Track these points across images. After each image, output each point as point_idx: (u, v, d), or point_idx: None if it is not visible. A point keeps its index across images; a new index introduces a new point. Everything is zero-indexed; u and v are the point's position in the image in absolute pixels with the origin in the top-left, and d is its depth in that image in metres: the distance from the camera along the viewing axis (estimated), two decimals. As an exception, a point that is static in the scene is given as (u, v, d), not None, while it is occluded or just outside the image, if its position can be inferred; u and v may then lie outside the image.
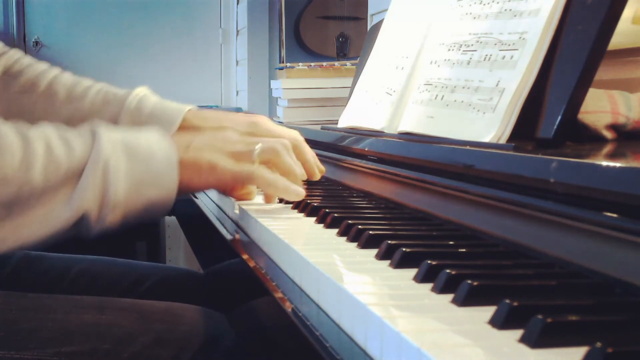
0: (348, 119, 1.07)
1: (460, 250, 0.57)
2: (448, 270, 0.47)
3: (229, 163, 0.73)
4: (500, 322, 0.39)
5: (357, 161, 0.92)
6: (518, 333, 0.38)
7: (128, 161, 0.67)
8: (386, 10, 1.08)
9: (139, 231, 2.53)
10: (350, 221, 0.67)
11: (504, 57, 0.73)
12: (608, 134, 0.73)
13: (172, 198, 0.70)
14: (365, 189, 0.88)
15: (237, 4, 3.30)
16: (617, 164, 0.46)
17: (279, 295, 0.57)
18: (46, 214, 0.63)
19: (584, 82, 0.66)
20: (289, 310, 0.53)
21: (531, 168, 0.54)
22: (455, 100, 0.78)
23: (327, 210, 0.73)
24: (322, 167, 0.89)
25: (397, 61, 0.96)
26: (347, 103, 1.12)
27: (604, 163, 0.47)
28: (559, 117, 0.66)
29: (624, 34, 0.77)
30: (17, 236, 0.62)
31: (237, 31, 3.32)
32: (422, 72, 0.88)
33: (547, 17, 0.70)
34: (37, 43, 3.19)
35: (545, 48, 0.69)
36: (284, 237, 0.64)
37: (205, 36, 3.40)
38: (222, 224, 0.89)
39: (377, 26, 1.12)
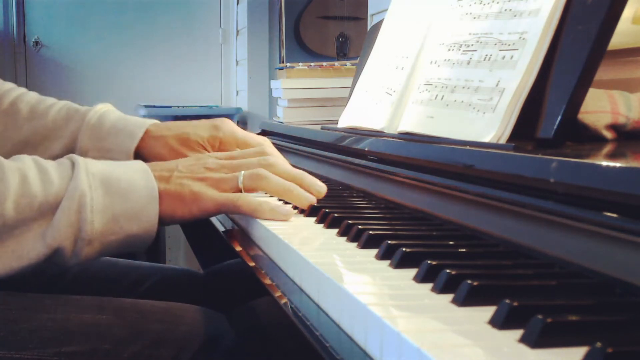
0: (348, 119, 1.07)
1: (460, 250, 0.57)
2: (448, 270, 0.47)
3: (213, 192, 0.72)
4: (500, 322, 0.39)
5: (357, 161, 0.92)
6: (518, 333, 0.38)
7: (105, 195, 0.67)
8: (386, 10, 1.08)
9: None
10: (350, 221, 0.67)
11: (504, 57, 0.73)
12: (608, 134, 0.73)
13: (154, 231, 0.70)
14: (365, 189, 0.88)
15: (237, 4, 3.30)
16: (617, 164, 0.46)
17: (278, 295, 0.57)
18: (19, 248, 0.64)
19: (584, 82, 0.66)
20: (289, 310, 0.53)
21: (531, 168, 0.54)
22: (455, 100, 0.78)
23: (327, 210, 0.73)
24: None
25: (397, 61, 0.96)
26: (347, 103, 1.12)
27: (604, 163, 0.47)
28: (559, 117, 0.66)
29: (624, 34, 0.77)
30: None
31: (237, 31, 3.32)
32: (422, 72, 0.88)
33: (547, 17, 0.70)
34: (37, 43, 3.19)
35: (545, 48, 0.69)
36: (283, 237, 0.64)
37: (205, 36, 3.40)
38: (222, 224, 0.89)
39: (377, 26, 1.12)
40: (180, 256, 2.59)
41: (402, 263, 0.53)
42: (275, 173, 0.75)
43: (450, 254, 0.55)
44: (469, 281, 0.44)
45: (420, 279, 0.49)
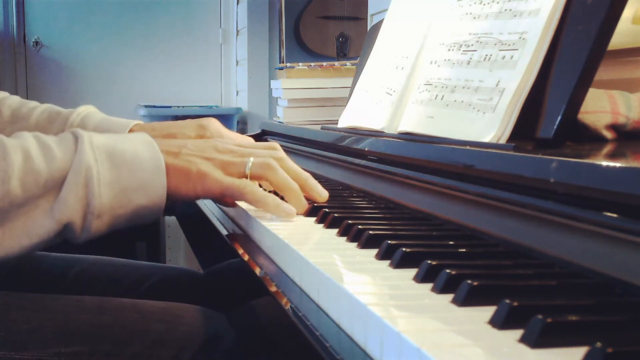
0: (348, 119, 1.07)
1: (460, 250, 0.57)
2: (448, 270, 0.47)
3: (219, 174, 0.72)
4: (500, 322, 0.39)
5: (357, 161, 0.92)
6: (518, 333, 0.38)
7: (112, 168, 0.66)
8: (386, 10, 1.08)
9: (139, 231, 2.53)
10: (350, 221, 0.67)
11: (504, 57, 0.73)
12: (608, 134, 0.73)
13: (162, 203, 0.69)
14: (365, 189, 0.88)
15: (237, 4, 3.30)
16: (617, 164, 0.46)
17: (279, 295, 0.57)
18: (28, 225, 0.63)
19: (584, 82, 0.66)
20: (289, 310, 0.53)
21: (531, 168, 0.54)
22: (455, 100, 0.78)
23: (327, 210, 0.73)
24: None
25: (397, 61, 0.96)
26: (347, 103, 1.12)
27: (604, 163, 0.47)
28: (559, 117, 0.66)
29: (624, 34, 0.77)
30: None
31: (237, 31, 3.32)
32: (422, 72, 0.88)
33: (547, 17, 0.70)
34: (37, 43, 3.19)
35: (545, 48, 0.69)
36: (284, 237, 0.64)
37: (205, 36, 3.40)
38: (222, 224, 0.89)
39: (377, 26, 1.12)
40: (180, 256, 2.59)
41: (402, 263, 0.53)
42: (284, 168, 0.75)
43: (450, 254, 0.55)
44: (469, 281, 0.44)
45: (420, 279, 0.49)
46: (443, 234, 0.64)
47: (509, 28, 0.75)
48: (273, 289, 0.59)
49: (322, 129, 1.15)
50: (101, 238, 0.69)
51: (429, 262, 0.50)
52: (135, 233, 2.54)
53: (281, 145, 1.36)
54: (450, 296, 0.45)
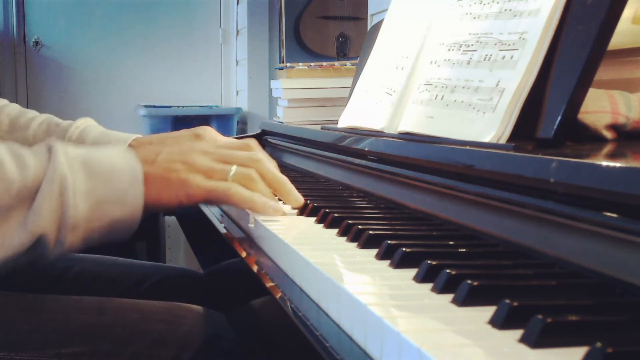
0: (348, 119, 1.07)
1: (460, 250, 0.57)
2: (448, 270, 0.47)
3: (200, 179, 0.70)
4: (500, 322, 0.39)
5: (357, 161, 0.92)
6: (518, 333, 0.38)
7: (88, 178, 0.64)
8: (386, 10, 1.08)
9: (139, 231, 2.53)
10: (350, 221, 0.67)
11: (504, 57, 0.73)
12: (608, 134, 0.73)
13: (138, 216, 0.67)
14: (365, 189, 0.88)
15: (237, 4, 3.30)
16: (617, 164, 0.46)
17: (279, 295, 0.57)
18: (0, 237, 0.60)
19: (584, 82, 0.66)
20: (289, 310, 0.53)
21: (531, 168, 0.54)
22: (455, 100, 0.78)
23: (327, 210, 0.73)
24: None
25: (397, 61, 0.96)
26: (347, 103, 1.12)
27: (604, 163, 0.47)
28: (559, 117, 0.66)
29: (624, 34, 0.77)
30: None
31: (237, 31, 3.32)
32: (422, 72, 0.88)
33: (547, 17, 0.70)
34: (37, 43, 3.19)
35: (545, 48, 0.69)
36: (284, 237, 0.64)
37: (205, 36, 3.40)
38: (222, 224, 0.89)
39: (377, 26, 1.12)
40: (180, 256, 2.59)
41: (402, 263, 0.53)
42: (261, 171, 0.74)
43: (450, 254, 0.55)
44: (469, 281, 0.44)
45: (420, 279, 0.49)
46: (443, 234, 0.64)
47: (509, 28, 0.75)
48: (273, 289, 0.59)
49: (322, 129, 1.15)
50: None
51: (429, 262, 0.50)
52: (135, 233, 2.54)
53: (281, 146, 1.37)
54: (450, 296, 0.45)
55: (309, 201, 0.80)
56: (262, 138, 1.49)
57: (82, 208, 0.63)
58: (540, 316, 0.37)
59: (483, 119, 0.72)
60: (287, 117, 1.77)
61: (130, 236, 0.69)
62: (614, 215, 0.45)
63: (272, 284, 0.60)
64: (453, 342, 0.38)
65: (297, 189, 0.77)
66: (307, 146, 1.17)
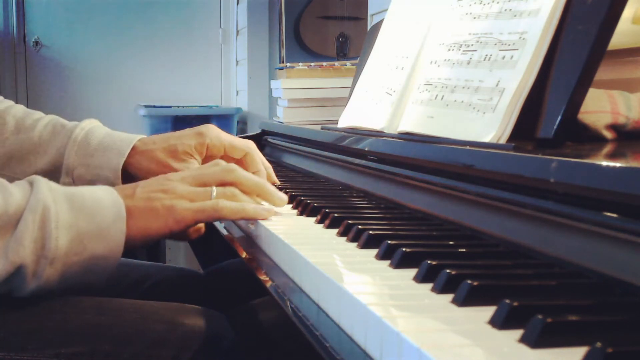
0: (348, 119, 1.07)
1: (460, 250, 0.57)
2: (448, 270, 0.47)
3: (186, 203, 0.71)
4: (500, 322, 0.39)
5: (357, 161, 0.92)
6: (518, 333, 0.38)
7: (71, 211, 0.64)
8: (386, 10, 1.08)
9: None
10: (350, 221, 0.67)
11: (504, 57, 0.73)
12: (608, 134, 0.73)
13: (119, 253, 0.67)
14: (365, 189, 0.88)
15: (237, 4, 3.30)
16: (617, 164, 0.46)
17: (278, 295, 0.57)
18: None
19: (584, 82, 0.66)
20: (289, 310, 0.53)
21: (531, 168, 0.54)
22: (455, 100, 0.78)
23: (327, 210, 0.73)
24: (275, 178, 0.91)
25: (397, 61, 0.96)
26: (347, 103, 1.12)
27: (604, 163, 0.47)
28: (559, 117, 0.66)
29: (624, 34, 0.77)
30: None
31: (237, 31, 3.32)
32: (422, 72, 0.88)
33: (547, 17, 0.70)
34: (37, 43, 3.19)
35: (545, 48, 0.69)
36: (284, 237, 0.64)
37: (205, 36, 3.40)
38: (222, 224, 0.89)
39: (377, 26, 1.12)
40: (180, 256, 2.59)
41: (402, 263, 0.53)
42: (239, 181, 0.75)
43: (450, 254, 0.55)
44: (469, 281, 0.44)
45: (420, 279, 0.49)
46: (443, 234, 0.64)
47: (509, 28, 0.74)
48: (273, 289, 0.59)
49: (322, 129, 1.15)
50: None
51: (429, 262, 0.50)
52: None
53: (281, 146, 1.37)
54: (450, 296, 0.45)
55: (308, 201, 0.80)
56: (262, 138, 1.49)
57: (63, 241, 0.63)
58: (540, 316, 0.37)
59: (483, 119, 0.72)
60: (287, 117, 1.77)
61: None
62: (614, 215, 0.45)
63: (272, 284, 0.60)
64: (453, 342, 0.38)
65: (297, 188, 0.78)
66: (307, 146, 1.18)
